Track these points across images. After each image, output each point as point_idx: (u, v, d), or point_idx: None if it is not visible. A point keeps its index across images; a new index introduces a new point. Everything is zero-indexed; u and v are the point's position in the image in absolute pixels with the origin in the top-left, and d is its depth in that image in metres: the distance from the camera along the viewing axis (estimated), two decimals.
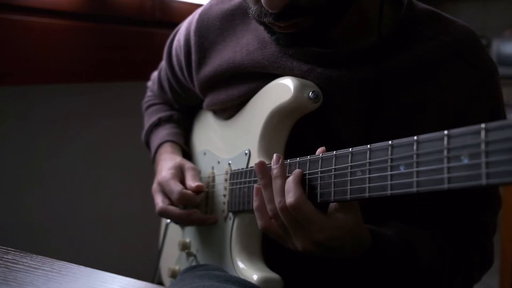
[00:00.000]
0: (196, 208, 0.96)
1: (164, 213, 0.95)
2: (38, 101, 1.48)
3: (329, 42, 0.82)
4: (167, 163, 1.00)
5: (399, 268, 0.78)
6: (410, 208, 0.84)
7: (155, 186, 0.99)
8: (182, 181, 0.96)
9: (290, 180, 0.72)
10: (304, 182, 0.73)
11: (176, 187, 0.93)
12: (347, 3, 0.76)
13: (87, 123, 1.61)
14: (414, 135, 0.81)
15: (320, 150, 0.73)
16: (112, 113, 1.66)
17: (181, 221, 0.96)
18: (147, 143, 1.16)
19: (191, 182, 0.94)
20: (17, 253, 0.67)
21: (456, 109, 0.80)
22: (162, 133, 1.10)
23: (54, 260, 0.65)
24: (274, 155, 0.75)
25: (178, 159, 1.01)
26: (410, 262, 0.78)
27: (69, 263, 0.64)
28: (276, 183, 0.73)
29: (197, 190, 0.93)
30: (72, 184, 1.57)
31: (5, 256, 0.66)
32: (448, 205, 0.85)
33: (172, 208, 0.94)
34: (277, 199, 0.73)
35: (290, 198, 0.70)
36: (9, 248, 0.68)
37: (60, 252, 1.44)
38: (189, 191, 0.93)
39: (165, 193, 0.96)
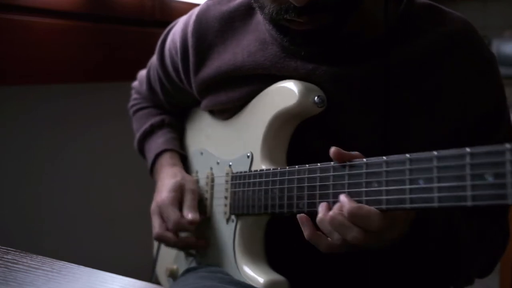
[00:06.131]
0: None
1: (160, 239, 0.97)
2: (38, 101, 1.47)
3: (332, 40, 0.82)
4: (168, 180, 0.99)
5: (441, 241, 0.78)
6: None
7: (153, 208, 0.99)
8: (181, 202, 0.97)
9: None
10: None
11: (173, 215, 0.94)
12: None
13: (87, 123, 1.60)
14: (424, 131, 0.81)
15: (334, 151, 0.71)
16: (112, 113, 1.66)
17: (176, 247, 0.98)
18: (141, 151, 1.14)
19: (187, 211, 0.95)
20: (17, 253, 0.67)
21: (460, 102, 0.81)
22: (157, 141, 1.09)
23: (54, 260, 0.65)
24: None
25: (179, 176, 1.00)
26: (451, 236, 0.79)
27: (69, 263, 0.64)
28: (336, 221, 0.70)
29: (192, 224, 0.93)
30: (72, 184, 1.57)
31: (5, 256, 0.65)
32: None
33: (168, 235, 0.95)
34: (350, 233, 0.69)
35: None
36: (9, 248, 0.68)
37: (60, 252, 1.44)
38: (185, 221, 0.93)
39: (163, 217, 0.96)
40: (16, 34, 1.27)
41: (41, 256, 0.66)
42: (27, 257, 0.66)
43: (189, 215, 0.94)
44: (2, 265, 0.63)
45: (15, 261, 0.64)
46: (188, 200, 0.96)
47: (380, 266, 0.85)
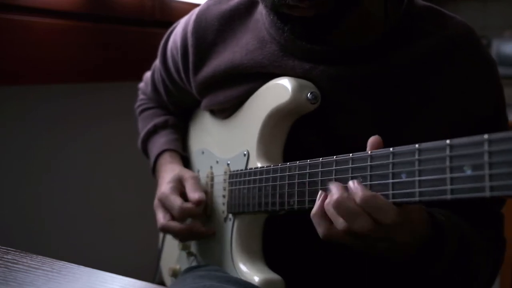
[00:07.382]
0: None
1: (165, 229, 0.96)
2: (38, 101, 1.48)
3: (330, 40, 0.82)
4: (166, 175, 0.99)
5: (456, 252, 0.75)
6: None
7: (156, 202, 0.98)
8: (183, 192, 0.96)
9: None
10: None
11: (175, 202, 0.93)
12: None
13: (87, 123, 1.61)
14: (423, 131, 0.81)
15: (373, 140, 0.68)
16: (112, 113, 1.66)
17: (182, 236, 0.97)
18: (145, 150, 1.14)
19: (192, 193, 0.94)
20: (17, 253, 0.67)
21: (460, 103, 0.82)
22: (160, 141, 1.09)
23: (54, 260, 0.65)
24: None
25: (177, 170, 1.00)
26: (465, 248, 0.76)
27: (69, 263, 0.64)
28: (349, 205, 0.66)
29: (199, 202, 0.92)
30: (72, 184, 1.57)
31: (5, 256, 0.65)
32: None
33: (173, 224, 0.94)
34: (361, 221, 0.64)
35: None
36: (9, 248, 0.68)
37: (60, 252, 1.44)
38: (188, 205, 0.92)
39: (166, 208, 0.96)
40: (16, 34, 1.27)
41: (41, 256, 0.66)
42: (27, 257, 0.66)
43: (195, 195, 0.93)
44: (2, 265, 0.63)
45: (15, 261, 0.64)
46: (189, 184, 0.95)
47: (376, 267, 0.85)
